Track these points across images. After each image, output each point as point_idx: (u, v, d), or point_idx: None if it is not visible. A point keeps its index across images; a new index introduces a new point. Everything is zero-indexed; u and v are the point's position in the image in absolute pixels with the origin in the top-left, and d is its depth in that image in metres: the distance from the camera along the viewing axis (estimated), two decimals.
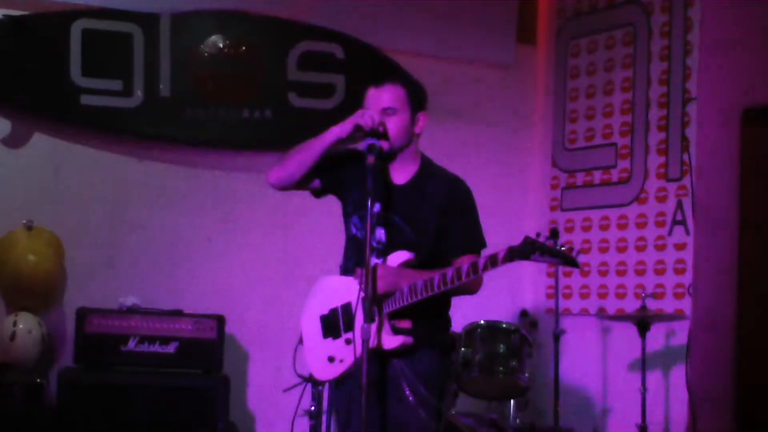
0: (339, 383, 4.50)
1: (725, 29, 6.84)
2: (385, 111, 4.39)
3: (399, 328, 4.33)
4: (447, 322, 4.57)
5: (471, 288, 4.34)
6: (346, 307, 4.40)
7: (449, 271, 4.19)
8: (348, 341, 4.33)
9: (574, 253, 4.05)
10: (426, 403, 4.36)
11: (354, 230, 4.50)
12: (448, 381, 6.06)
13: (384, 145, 4.35)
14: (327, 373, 4.47)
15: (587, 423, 7.21)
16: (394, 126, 4.40)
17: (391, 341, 4.30)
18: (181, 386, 6.50)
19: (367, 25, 7.55)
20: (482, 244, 4.47)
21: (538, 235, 4.06)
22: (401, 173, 4.48)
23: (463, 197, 4.50)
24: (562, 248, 4.03)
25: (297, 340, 4.61)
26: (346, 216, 4.56)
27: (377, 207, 4.33)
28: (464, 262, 4.22)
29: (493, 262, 4.11)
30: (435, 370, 4.46)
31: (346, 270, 4.55)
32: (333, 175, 4.58)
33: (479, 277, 4.21)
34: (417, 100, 4.51)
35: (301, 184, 4.59)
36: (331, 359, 4.42)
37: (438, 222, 4.40)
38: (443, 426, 5.27)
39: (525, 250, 4.05)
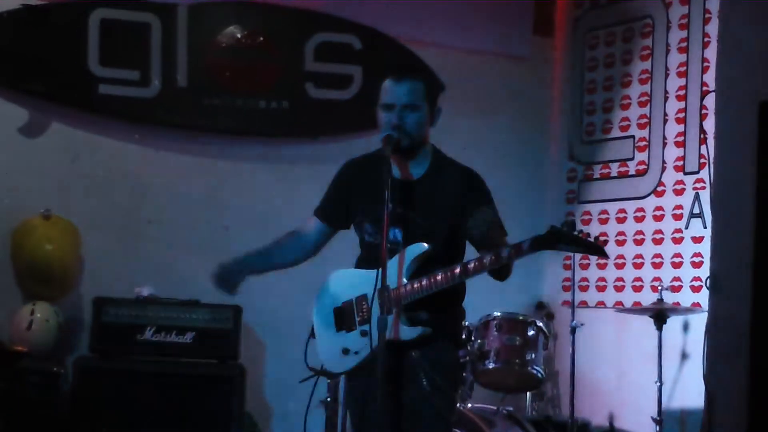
0: (352, 375, 4.48)
1: (743, 21, 6.80)
2: (406, 107, 4.38)
3: (416, 319, 4.32)
4: (462, 312, 4.57)
5: (500, 274, 4.27)
6: (361, 299, 4.39)
7: (471, 262, 4.18)
8: (363, 333, 4.31)
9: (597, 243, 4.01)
10: (441, 392, 4.34)
11: (367, 237, 4.48)
12: (462, 371, 6.09)
13: (402, 140, 4.34)
14: (341, 365, 4.46)
15: (603, 415, 7.21)
16: (414, 122, 4.38)
17: (409, 332, 4.29)
18: (197, 376, 6.51)
19: (384, 16, 7.55)
20: (505, 232, 4.45)
21: (563, 224, 4.01)
22: (415, 168, 4.46)
23: (479, 189, 4.48)
24: (588, 237, 4.00)
25: (309, 333, 4.61)
26: (358, 226, 4.54)
27: (390, 207, 4.23)
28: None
29: (517, 251, 4.07)
30: (450, 359, 4.47)
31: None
32: (340, 215, 4.62)
33: (510, 264, 4.20)
34: (434, 93, 4.50)
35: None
36: (345, 351, 4.41)
37: (454, 214, 4.39)
38: (456, 415, 5.28)
39: (550, 240, 4.01)
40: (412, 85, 4.39)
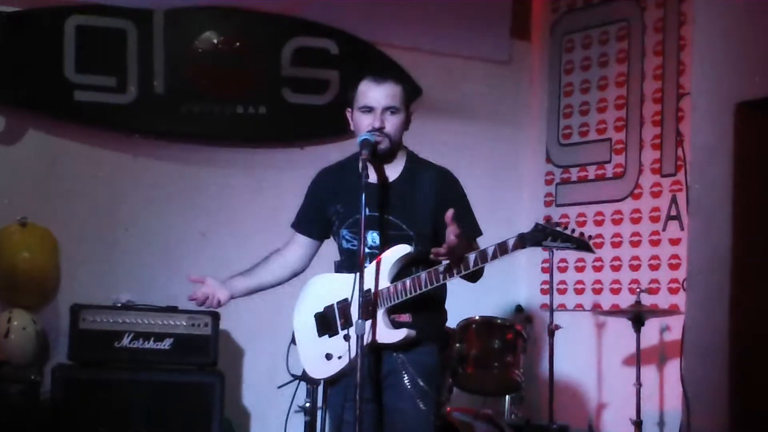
0: (334, 380, 4.46)
1: (719, 24, 6.83)
2: (387, 110, 4.38)
3: (399, 322, 4.32)
4: (444, 315, 4.58)
5: (475, 276, 4.30)
6: (343, 304, 4.37)
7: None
8: (347, 337, 4.28)
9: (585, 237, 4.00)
10: (424, 396, 4.35)
11: (345, 244, 4.48)
12: (444, 375, 6.10)
13: (383, 143, 4.34)
14: (324, 370, 4.44)
15: (582, 418, 7.22)
16: (395, 125, 4.39)
17: (393, 335, 4.28)
18: (176, 382, 6.48)
19: (361, 21, 7.53)
20: (479, 232, 4.46)
21: (548, 221, 4.00)
22: (391, 171, 4.46)
23: (454, 187, 4.50)
24: (574, 233, 4.00)
25: (290, 339, 4.60)
26: (335, 234, 4.54)
27: (367, 211, 4.24)
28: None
29: (502, 250, 4.08)
30: (434, 363, 4.46)
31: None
32: (321, 226, 4.61)
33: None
34: (411, 97, 4.52)
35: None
36: (328, 356, 4.40)
37: (433, 214, 4.39)
38: (439, 419, 5.27)
39: (536, 237, 4.02)
40: (394, 88, 4.40)
